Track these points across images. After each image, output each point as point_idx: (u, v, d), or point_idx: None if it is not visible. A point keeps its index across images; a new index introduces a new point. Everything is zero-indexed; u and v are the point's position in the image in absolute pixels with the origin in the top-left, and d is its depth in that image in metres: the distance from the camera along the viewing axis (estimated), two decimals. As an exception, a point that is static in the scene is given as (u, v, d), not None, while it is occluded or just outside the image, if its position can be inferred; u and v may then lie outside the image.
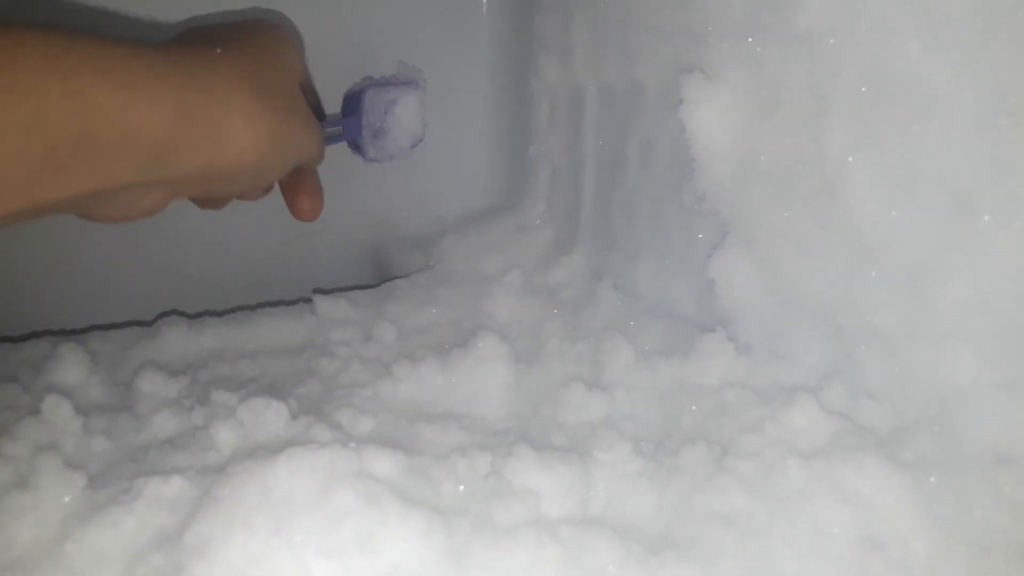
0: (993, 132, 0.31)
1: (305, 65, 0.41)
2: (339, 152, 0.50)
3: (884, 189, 0.35)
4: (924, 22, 0.33)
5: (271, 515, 0.31)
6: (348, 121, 0.60)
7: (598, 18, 0.54)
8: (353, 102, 0.61)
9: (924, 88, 0.33)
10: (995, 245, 0.32)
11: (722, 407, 0.40)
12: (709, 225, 0.46)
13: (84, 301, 0.62)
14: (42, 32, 0.26)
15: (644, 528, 0.34)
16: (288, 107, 0.35)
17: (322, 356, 0.50)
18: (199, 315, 0.56)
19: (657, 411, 0.42)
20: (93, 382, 0.47)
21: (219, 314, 0.57)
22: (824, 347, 0.40)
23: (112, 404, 0.45)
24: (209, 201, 0.41)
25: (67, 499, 0.35)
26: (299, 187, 0.43)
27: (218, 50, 0.33)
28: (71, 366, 0.47)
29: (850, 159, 0.37)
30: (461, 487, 0.35)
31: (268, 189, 0.43)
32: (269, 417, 0.40)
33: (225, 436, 0.39)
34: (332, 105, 0.64)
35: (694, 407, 0.41)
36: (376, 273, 0.71)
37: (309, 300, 0.57)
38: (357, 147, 0.62)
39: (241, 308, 0.60)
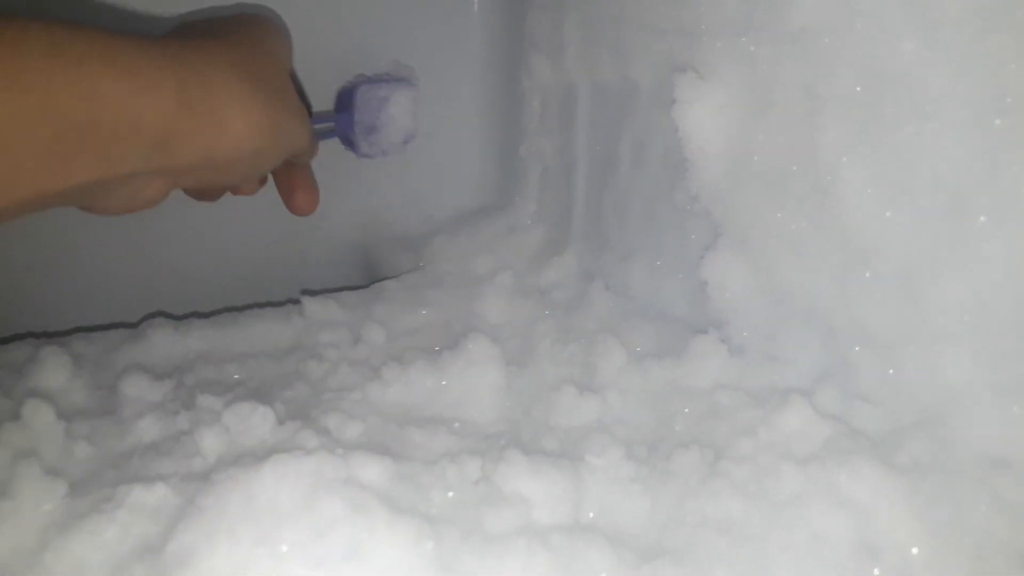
0: (988, 132, 0.31)
1: (291, 59, 0.42)
2: (327, 152, 0.50)
3: (878, 189, 0.35)
4: (919, 21, 0.32)
5: (256, 524, 0.31)
6: (341, 117, 0.61)
7: (590, 16, 0.54)
8: (346, 98, 0.62)
9: (919, 88, 0.33)
10: (990, 247, 0.31)
11: (715, 410, 0.40)
12: (702, 225, 0.45)
13: (67, 302, 0.62)
14: (46, 22, 0.26)
15: (637, 535, 0.33)
16: (281, 97, 0.37)
17: (310, 359, 0.49)
18: (185, 316, 0.56)
19: (649, 414, 0.41)
20: (76, 386, 0.46)
21: (206, 315, 0.56)
22: (817, 349, 0.40)
23: (95, 408, 0.44)
24: (205, 193, 0.41)
25: (47, 507, 0.35)
26: (295, 182, 0.45)
27: (213, 42, 0.34)
28: (53, 369, 0.46)
29: (844, 159, 0.36)
30: (450, 494, 0.35)
31: (263, 181, 0.44)
32: (255, 422, 0.39)
33: (210, 442, 0.38)
34: (324, 102, 0.64)
35: (687, 410, 0.41)
36: (365, 273, 0.71)
37: (297, 301, 0.56)
38: (350, 143, 0.63)
39: (228, 309, 0.59)
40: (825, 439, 0.36)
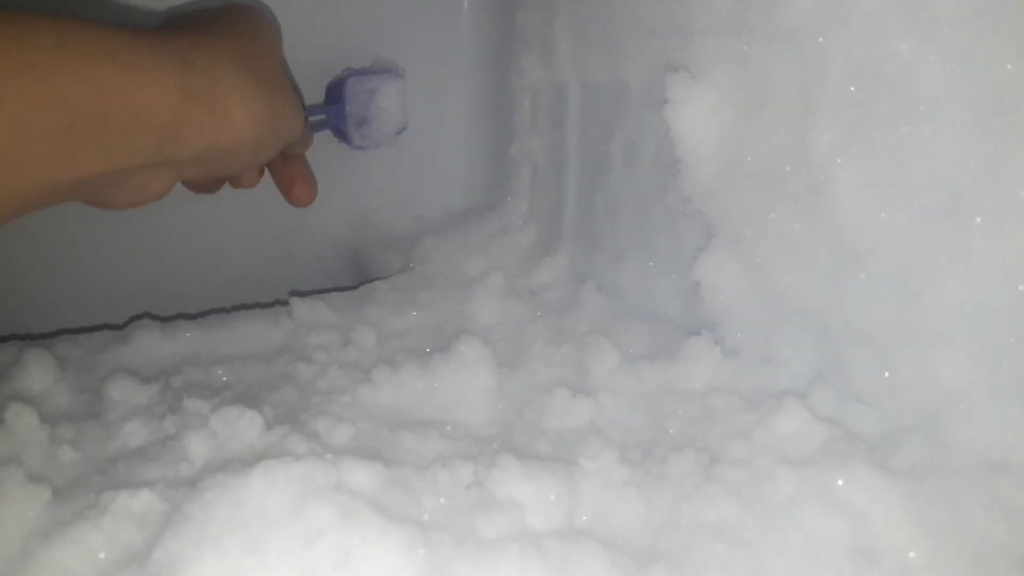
0: (985, 133, 0.30)
1: (282, 51, 0.42)
2: (316, 151, 0.50)
3: (873, 190, 0.35)
4: (914, 20, 0.32)
5: (244, 532, 0.30)
6: (332, 108, 0.62)
7: (582, 15, 0.54)
8: (336, 91, 0.62)
9: (914, 88, 0.32)
10: (986, 247, 0.31)
11: (709, 412, 0.40)
12: (694, 226, 0.45)
13: (52, 303, 0.61)
14: (52, 16, 0.26)
15: (631, 539, 0.33)
16: (277, 87, 0.38)
17: (299, 361, 0.48)
18: (172, 318, 0.55)
19: (643, 416, 0.41)
20: (60, 389, 0.45)
21: (193, 317, 0.56)
22: (812, 350, 0.39)
23: (80, 412, 0.43)
24: (204, 185, 0.42)
25: (30, 514, 0.34)
26: (293, 175, 0.46)
27: (211, 36, 0.35)
28: (37, 372, 0.45)
29: (838, 159, 0.36)
30: (442, 499, 0.34)
31: (262, 172, 0.46)
32: (243, 427, 0.38)
33: (197, 447, 0.37)
34: (313, 97, 0.63)
35: (680, 412, 0.40)
36: (355, 274, 0.70)
37: (286, 302, 0.55)
38: (342, 134, 0.64)
39: (216, 311, 0.59)
40: (821, 442, 0.35)
